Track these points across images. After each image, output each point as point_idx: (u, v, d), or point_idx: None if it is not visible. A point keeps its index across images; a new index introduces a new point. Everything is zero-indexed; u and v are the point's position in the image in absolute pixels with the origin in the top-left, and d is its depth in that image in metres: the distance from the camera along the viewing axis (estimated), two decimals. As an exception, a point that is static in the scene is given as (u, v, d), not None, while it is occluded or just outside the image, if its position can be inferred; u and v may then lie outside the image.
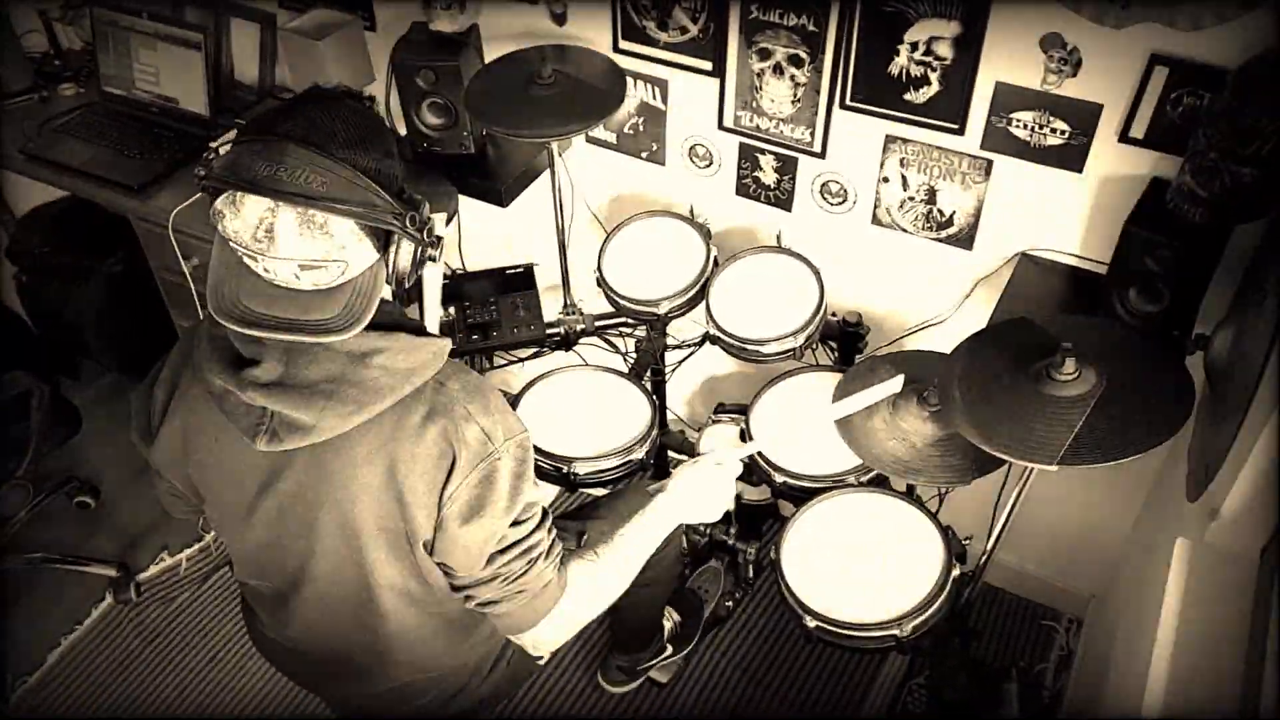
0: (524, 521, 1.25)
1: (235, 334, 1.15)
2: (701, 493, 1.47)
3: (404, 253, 1.15)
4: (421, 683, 1.45)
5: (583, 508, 1.78)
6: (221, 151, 1.08)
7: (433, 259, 1.21)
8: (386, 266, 1.13)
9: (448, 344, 1.20)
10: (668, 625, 2.20)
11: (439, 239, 1.20)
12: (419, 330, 1.20)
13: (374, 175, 1.08)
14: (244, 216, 1.04)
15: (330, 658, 1.43)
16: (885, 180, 1.88)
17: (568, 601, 1.31)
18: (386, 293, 1.18)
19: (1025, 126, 1.67)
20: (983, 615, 2.35)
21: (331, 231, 1.05)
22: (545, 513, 1.29)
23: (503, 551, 1.24)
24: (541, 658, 1.60)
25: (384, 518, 1.21)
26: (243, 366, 1.15)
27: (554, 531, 1.30)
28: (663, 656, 2.20)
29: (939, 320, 1.98)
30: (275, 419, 1.14)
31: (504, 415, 1.23)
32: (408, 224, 1.11)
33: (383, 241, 1.12)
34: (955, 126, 1.73)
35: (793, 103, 1.88)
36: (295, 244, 1.04)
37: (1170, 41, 1.47)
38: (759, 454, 1.77)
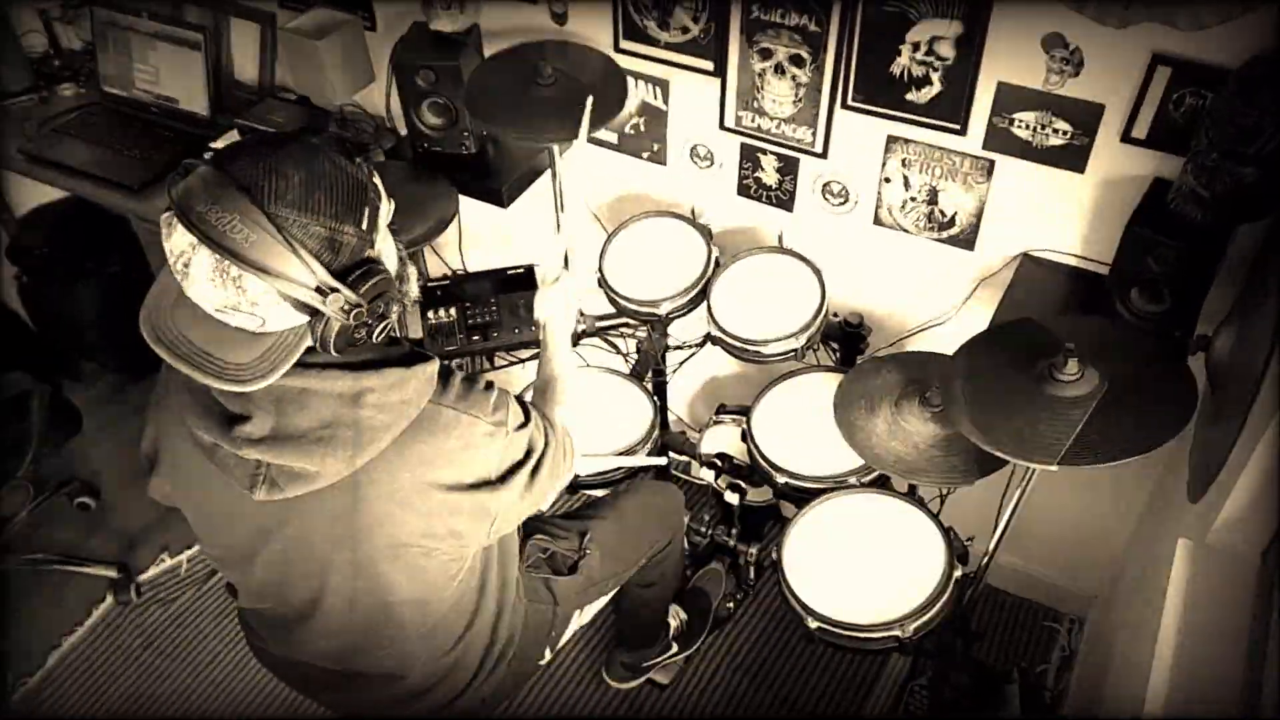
0: (524, 427, 1.29)
1: (219, 390, 1.10)
2: (567, 304, 1.60)
3: (332, 326, 1.04)
4: (423, 683, 1.45)
5: (583, 508, 1.78)
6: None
7: (382, 322, 1.10)
8: (312, 333, 1.05)
9: (435, 365, 1.18)
10: (673, 624, 2.20)
11: (382, 320, 1.10)
12: (404, 358, 1.16)
13: (318, 241, 1.01)
14: (173, 241, 1.01)
15: (341, 672, 1.43)
16: (887, 180, 1.87)
17: (562, 433, 1.40)
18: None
19: (1027, 127, 1.66)
20: (985, 616, 2.34)
21: (245, 287, 0.99)
22: (524, 410, 1.31)
23: (521, 463, 1.28)
24: (543, 658, 1.63)
25: (398, 542, 1.21)
26: (233, 422, 1.11)
27: (530, 412, 1.32)
28: (668, 655, 2.20)
29: (941, 321, 1.98)
30: (273, 469, 1.12)
31: (503, 397, 1.26)
32: (326, 304, 1.02)
33: (311, 309, 1.03)
34: (957, 127, 1.73)
35: (794, 103, 1.88)
36: (206, 289, 1.00)
37: (1172, 41, 1.47)
38: (760, 455, 1.77)
